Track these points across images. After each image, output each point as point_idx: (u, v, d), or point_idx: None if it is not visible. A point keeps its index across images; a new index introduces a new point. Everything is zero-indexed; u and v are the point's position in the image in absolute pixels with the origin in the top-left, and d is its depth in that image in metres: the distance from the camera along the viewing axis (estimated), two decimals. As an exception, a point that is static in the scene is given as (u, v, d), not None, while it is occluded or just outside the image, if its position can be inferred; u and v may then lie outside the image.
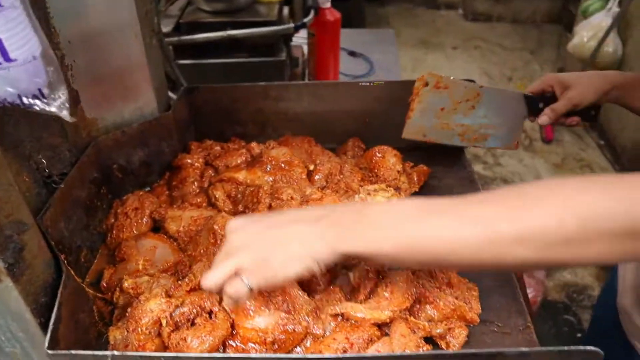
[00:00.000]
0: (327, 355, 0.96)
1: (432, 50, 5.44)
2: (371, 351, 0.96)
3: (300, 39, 2.42)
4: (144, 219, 1.30)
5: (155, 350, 0.98)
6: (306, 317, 1.05)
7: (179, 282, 1.12)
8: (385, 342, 0.98)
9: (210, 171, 1.46)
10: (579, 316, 2.91)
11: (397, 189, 1.41)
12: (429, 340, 1.07)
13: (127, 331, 1.01)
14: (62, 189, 1.10)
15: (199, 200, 1.37)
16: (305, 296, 1.09)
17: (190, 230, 1.28)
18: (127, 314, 1.05)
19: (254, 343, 1.01)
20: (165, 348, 1.00)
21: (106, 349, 1.05)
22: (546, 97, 1.44)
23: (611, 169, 3.90)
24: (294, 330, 1.02)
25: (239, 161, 1.48)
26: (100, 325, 1.08)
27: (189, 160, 1.45)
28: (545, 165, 3.95)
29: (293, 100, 1.59)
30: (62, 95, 0.86)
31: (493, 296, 1.17)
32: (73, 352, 0.83)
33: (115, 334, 1.05)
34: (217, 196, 1.36)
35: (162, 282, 1.11)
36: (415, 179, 1.45)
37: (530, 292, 2.21)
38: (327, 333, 1.04)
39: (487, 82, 4.93)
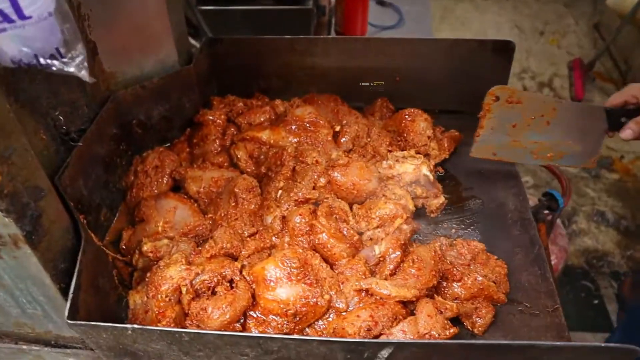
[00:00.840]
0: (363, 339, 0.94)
1: (462, 0, 5.19)
2: (396, 331, 0.93)
3: (328, -15, 2.30)
4: (165, 178, 1.26)
5: (175, 317, 0.97)
6: (329, 291, 1.02)
7: (199, 247, 1.09)
8: (411, 322, 0.95)
9: (232, 129, 1.41)
10: (597, 283, 2.88)
11: (427, 155, 1.35)
12: (455, 319, 1.03)
13: (147, 297, 0.99)
14: (80, 147, 1.06)
15: (220, 159, 1.33)
16: (329, 268, 1.06)
17: (210, 191, 1.24)
18: (146, 279, 1.03)
19: (275, 315, 0.98)
20: (185, 315, 0.99)
21: (126, 313, 1.04)
22: (629, 110, 1.25)
23: (642, 132, 3.76)
24: (317, 304, 0.99)
25: (262, 119, 1.42)
26: (120, 289, 1.06)
27: (210, 117, 1.39)
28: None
29: (320, 55, 1.50)
30: (80, 54, 0.81)
31: (522, 274, 1.13)
32: (93, 323, 0.81)
33: (135, 298, 1.03)
34: (239, 156, 1.32)
35: (182, 247, 1.09)
36: (446, 145, 1.38)
37: (553, 260, 2.16)
38: (351, 308, 1.01)
39: (518, 36, 4.72)
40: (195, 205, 1.23)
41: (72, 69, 0.78)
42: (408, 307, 1.02)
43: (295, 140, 1.34)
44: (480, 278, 1.06)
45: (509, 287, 1.09)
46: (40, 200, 0.82)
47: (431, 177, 1.24)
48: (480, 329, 1.03)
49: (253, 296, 1.00)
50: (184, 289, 0.98)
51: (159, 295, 0.98)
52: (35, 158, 0.81)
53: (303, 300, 0.98)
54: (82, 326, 0.82)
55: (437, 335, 0.93)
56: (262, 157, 1.33)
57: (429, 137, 1.34)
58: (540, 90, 4.13)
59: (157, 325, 0.94)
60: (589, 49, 4.52)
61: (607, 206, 3.27)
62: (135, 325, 0.81)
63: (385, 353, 0.80)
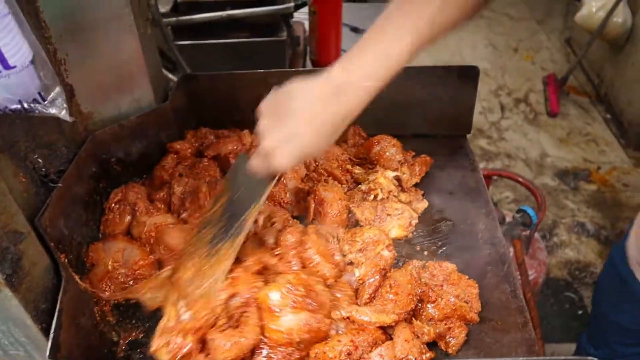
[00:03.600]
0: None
1: (437, 19, 5.33)
2: (374, 355, 0.97)
3: (302, 14, 2.36)
4: (126, 215, 1.28)
5: (193, 346, 0.98)
6: (330, 315, 1.04)
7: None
8: (389, 347, 0.98)
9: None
10: (580, 293, 2.93)
11: (398, 179, 1.39)
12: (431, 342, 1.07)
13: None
14: (59, 187, 1.09)
15: (161, 194, 1.35)
16: (329, 292, 1.08)
17: (150, 236, 1.25)
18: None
19: (282, 346, 1.00)
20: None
21: (110, 350, 1.06)
22: None
23: (617, 143, 3.86)
24: (320, 329, 1.01)
25: (229, 149, 1.44)
26: (101, 326, 1.08)
27: (178, 146, 1.42)
28: (550, 139, 3.91)
29: (294, 86, 1.55)
30: (59, 95, 0.85)
31: (493, 293, 1.17)
32: (73, 361, 0.84)
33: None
34: (174, 189, 1.33)
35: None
36: (417, 169, 1.43)
37: (532, 274, 2.20)
38: (340, 332, 1.04)
39: (492, 54, 4.84)
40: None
41: (53, 111, 0.83)
42: (387, 331, 1.05)
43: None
44: (452, 299, 1.09)
45: (480, 305, 1.13)
46: (20, 244, 0.85)
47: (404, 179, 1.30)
48: (453, 348, 1.06)
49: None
50: (219, 309, 1.01)
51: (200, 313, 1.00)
52: (14, 203, 0.84)
53: (307, 327, 1.00)
54: (63, 365, 0.85)
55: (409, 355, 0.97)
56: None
57: (399, 162, 1.39)
58: (517, 106, 4.23)
59: (185, 338, 0.97)
60: (562, 64, 4.65)
61: (586, 217, 3.34)
62: (115, 362, 0.83)
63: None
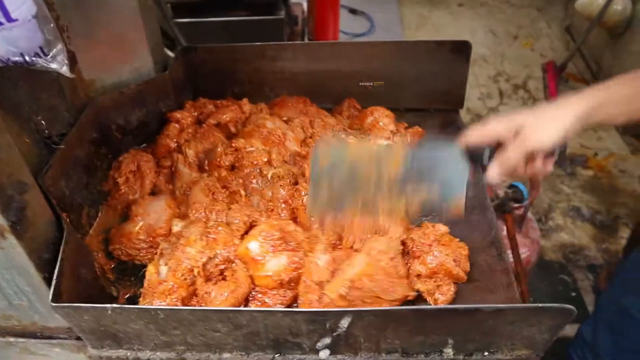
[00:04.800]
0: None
1: (437, 7, 5.32)
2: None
3: (301, -5, 2.40)
4: (147, 181, 1.33)
5: (184, 297, 1.03)
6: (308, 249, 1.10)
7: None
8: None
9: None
10: (574, 276, 2.96)
11: (390, 149, 1.43)
12: (419, 297, 1.11)
13: (168, 268, 1.06)
14: (62, 149, 1.13)
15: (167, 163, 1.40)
16: (302, 230, 1.14)
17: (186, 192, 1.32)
18: (162, 251, 1.10)
19: (272, 289, 1.06)
20: (193, 296, 1.05)
21: (109, 303, 1.10)
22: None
23: (614, 130, 3.88)
24: (303, 264, 1.07)
25: (228, 117, 1.48)
26: (101, 280, 1.13)
27: (178, 115, 1.46)
28: (547, 126, 3.93)
29: (290, 60, 1.59)
30: (61, 52, 0.89)
31: (480, 255, 1.21)
32: (75, 305, 0.88)
33: (151, 269, 1.09)
34: (187, 153, 1.38)
35: (194, 230, 1.14)
36: (409, 139, 1.46)
37: (524, 252, 2.24)
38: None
39: (493, 40, 4.86)
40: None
41: (54, 65, 0.86)
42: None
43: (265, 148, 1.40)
44: (437, 254, 1.13)
45: (469, 266, 1.17)
46: (25, 194, 0.89)
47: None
48: (441, 304, 1.10)
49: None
50: (195, 270, 1.05)
51: (178, 273, 1.04)
52: (19, 154, 0.88)
53: (292, 265, 1.06)
54: (64, 308, 0.89)
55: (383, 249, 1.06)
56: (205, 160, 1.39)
57: (392, 132, 1.43)
58: (516, 92, 4.25)
59: (166, 299, 1.01)
60: (562, 51, 4.66)
61: (582, 202, 3.37)
62: (115, 305, 0.88)
63: (345, 322, 0.87)
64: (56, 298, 0.90)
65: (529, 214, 2.30)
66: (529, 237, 2.38)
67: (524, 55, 4.68)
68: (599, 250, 3.12)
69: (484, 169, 1.07)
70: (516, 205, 2.00)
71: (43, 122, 1.13)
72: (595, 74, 4.29)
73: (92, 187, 1.29)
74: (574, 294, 2.93)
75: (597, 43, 4.21)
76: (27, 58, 0.83)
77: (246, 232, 1.15)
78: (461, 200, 1.08)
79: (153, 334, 0.94)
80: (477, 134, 1.07)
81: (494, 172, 1.04)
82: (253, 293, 1.06)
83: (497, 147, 1.04)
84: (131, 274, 1.20)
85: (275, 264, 1.05)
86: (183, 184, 1.31)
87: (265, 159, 1.30)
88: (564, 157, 1.09)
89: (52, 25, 0.85)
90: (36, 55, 0.84)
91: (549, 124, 1.02)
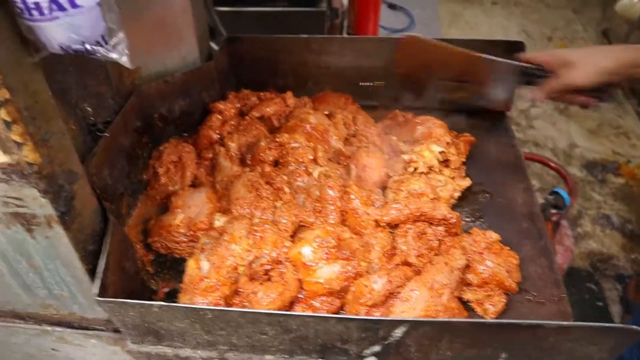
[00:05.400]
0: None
1: (471, 5, 5.23)
2: (407, 289, 1.00)
3: (342, -13, 2.34)
4: (188, 173, 1.30)
5: (227, 295, 1.00)
6: (363, 260, 1.07)
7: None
8: (418, 279, 1.03)
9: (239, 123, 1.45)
10: (601, 285, 2.90)
11: (446, 160, 1.36)
12: (468, 307, 1.08)
13: (210, 264, 1.02)
14: (106, 137, 1.11)
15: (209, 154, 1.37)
16: (357, 238, 1.11)
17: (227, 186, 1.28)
18: (202, 246, 1.07)
19: (321, 295, 1.02)
20: (235, 294, 1.03)
21: (150, 298, 1.08)
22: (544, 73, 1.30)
23: (648, 137, 3.78)
24: (357, 274, 1.04)
25: (272, 110, 1.45)
26: (142, 273, 1.11)
27: (221, 106, 1.43)
28: (579, 130, 3.84)
29: (335, 54, 1.55)
30: (122, 41, 0.85)
31: (530, 265, 1.16)
32: (122, 300, 0.86)
33: (191, 264, 1.06)
34: (230, 146, 1.34)
35: (238, 226, 1.11)
36: (462, 148, 1.40)
37: (558, 260, 2.19)
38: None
39: (526, 41, 4.75)
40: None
41: (115, 55, 0.82)
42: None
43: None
44: (490, 263, 1.09)
45: (520, 276, 1.13)
46: (74, 184, 0.87)
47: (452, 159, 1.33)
48: (492, 315, 1.06)
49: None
50: (241, 269, 1.02)
51: (222, 270, 1.01)
52: (71, 143, 0.86)
53: (345, 275, 1.02)
54: (110, 303, 0.87)
55: (445, 283, 1.01)
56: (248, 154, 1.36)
57: (447, 144, 1.36)
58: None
59: (208, 296, 0.98)
60: (597, 55, 4.55)
61: (612, 210, 3.29)
62: (162, 303, 0.85)
63: (399, 332, 0.84)
64: (102, 291, 0.88)
65: (564, 221, 2.25)
66: (563, 244, 2.32)
67: (558, 58, 4.57)
68: (628, 260, 3.05)
69: (532, 84, 1.30)
70: (554, 211, 1.95)
71: (89, 108, 1.10)
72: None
73: (133, 176, 1.27)
74: (600, 304, 2.87)
75: (636, 48, 4.09)
76: (87, 46, 0.79)
77: (294, 233, 1.12)
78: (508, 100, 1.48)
79: (197, 333, 0.92)
80: (532, 55, 1.34)
81: (537, 93, 1.27)
82: (299, 296, 1.03)
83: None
84: (170, 267, 1.18)
85: (328, 272, 1.01)
86: (224, 177, 1.28)
87: (311, 157, 1.25)
88: (605, 97, 1.28)
89: (115, 12, 0.82)
90: (97, 43, 0.80)
91: (590, 65, 1.17)
